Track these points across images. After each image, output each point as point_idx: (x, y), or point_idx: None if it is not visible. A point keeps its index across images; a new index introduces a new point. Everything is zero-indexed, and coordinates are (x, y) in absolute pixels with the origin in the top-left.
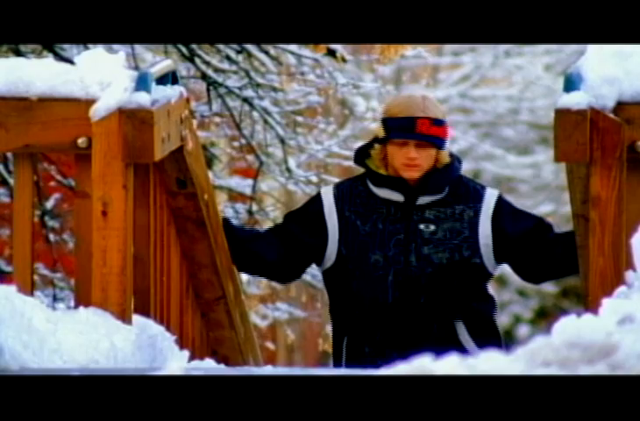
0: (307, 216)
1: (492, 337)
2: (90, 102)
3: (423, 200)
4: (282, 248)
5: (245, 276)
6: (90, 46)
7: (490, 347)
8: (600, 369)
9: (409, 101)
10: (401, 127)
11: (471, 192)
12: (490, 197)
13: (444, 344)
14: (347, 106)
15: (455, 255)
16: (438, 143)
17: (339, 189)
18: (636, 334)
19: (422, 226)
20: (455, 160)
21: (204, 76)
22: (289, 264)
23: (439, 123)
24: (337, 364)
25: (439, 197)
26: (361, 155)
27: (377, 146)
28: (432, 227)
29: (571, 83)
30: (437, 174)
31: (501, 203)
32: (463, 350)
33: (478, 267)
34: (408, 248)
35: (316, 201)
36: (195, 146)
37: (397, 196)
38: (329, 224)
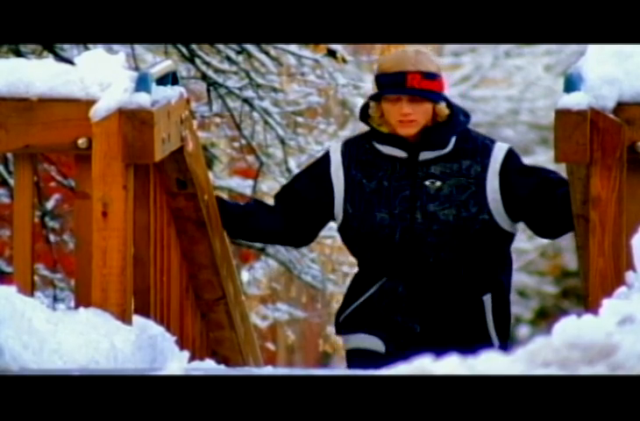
0: (314, 174)
1: (506, 317)
2: (90, 102)
3: (425, 155)
4: (286, 215)
5: (245, 277)
6: (90, 46)
7: (503, 330)
8: (600, 370)
9: (401, 56)
10: (392, 83)
11: (479, 147)
12: (499, 152)
13: (466, 320)
14: (347, 107)
15: (462, 211)
16: (432, 97)
17: (347, 147)
18: (637, 335)
19: (427, 183)
20: (459, 113)
21: (204, 77)
22: (298, 229)
23: (432, 76)
24: (348, 304)
25: (444, 152)
26: (363, 114)
27: (372, 103)
28: (438, 183)
29: (571, 84)
30: (438, 128)
31: (510, 158)
32: (484, 331)
33: (489, 225)
34: (414, 205)
35: (324, 159)
36: (195, 147)
37: (400, 153)
38: (335, 181)
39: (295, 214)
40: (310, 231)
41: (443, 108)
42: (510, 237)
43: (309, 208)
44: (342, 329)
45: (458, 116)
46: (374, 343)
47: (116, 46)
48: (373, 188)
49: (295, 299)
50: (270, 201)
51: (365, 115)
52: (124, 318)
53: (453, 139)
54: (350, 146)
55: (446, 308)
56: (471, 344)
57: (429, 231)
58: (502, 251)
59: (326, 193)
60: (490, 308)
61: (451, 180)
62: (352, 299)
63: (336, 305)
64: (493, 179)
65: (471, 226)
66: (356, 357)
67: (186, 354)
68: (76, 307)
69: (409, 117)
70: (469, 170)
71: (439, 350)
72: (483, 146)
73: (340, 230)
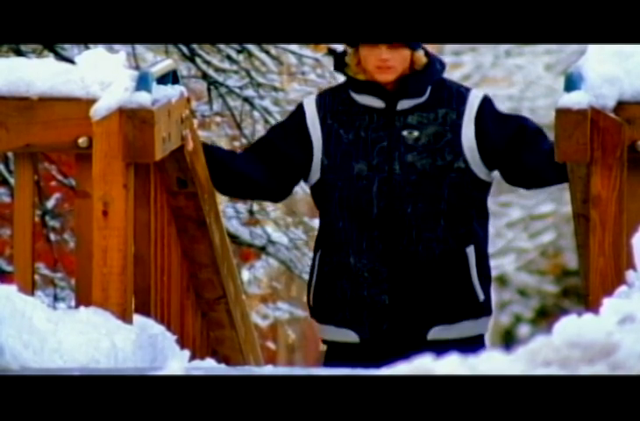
0: (290, 128)
1: (486, 275)
2: (91, 101)
3: (403, 104)
4: (267, 165)
5: (245, 276)
6: (91, 45)
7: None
8: (600, 369)
9: None
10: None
11: (454, 95)
12: (474, 99)
13: (449, 273)
14: None
15: (437, 160)
16: (411, 43)
17: (322, 98)
18: (637, 334)
19: (405, 133)
20: (436, 62)
21: (205, 76)
22: (276, 181)
23: None
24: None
25: (420, 101)
26: (339, 63)
27: (350, 50)
28: (415, 133)
29: (571, 83)
30: (416, 76)
31: (486, 106)
32: (469, 285)
33: (464, 173)
34: (392, 156)
35: (299, 112)
36: (195, 146)
37: (377, 102)
38: (312, 134)
39: (275, 168)
40: (289, 186)
41: (421, 56)
42: (487, 186)
43: (289, 162)
44: (313, 314)
45: (435, 64)
46: (347, 335)
47: (116, 46)
48: (351, 138)
49: (296, 298)
50: None
51: (341, 64)
52: (125, 317)
53: (429, 89)
54: (325, 97)
55: (427, 264)
56: (453, 302)
57: (406, 182)
58: (479, 201)
59: (304, 146)
60: (474, 260)
61: (427, 129)
62: (310, 274)
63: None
64: (468, 126)
65: (446, 174)
66: (332, 349)
67: (186, 353)
68: (77, 306)
69: (388, 63)
70: (445, 118)
71: (417, 319)
72: (458, 94)
73: (315, 187)
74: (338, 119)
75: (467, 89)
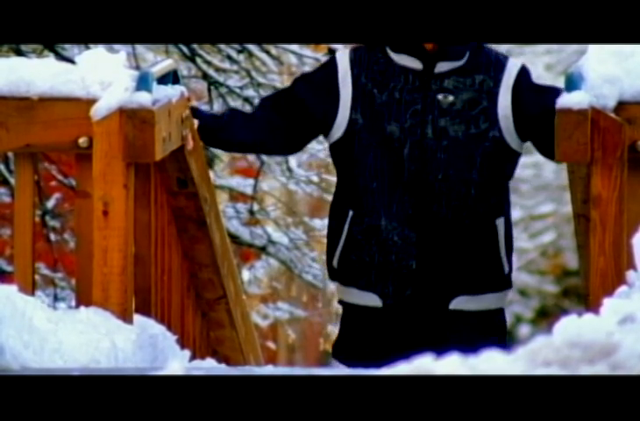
0: (319, 80)
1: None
2: (91, 101)
3: (441, 67)
4: (283, 117)
5: (246, 276)
6: (91, 45)
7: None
8: (600, 369)
9: None
10: None
11: (492, 61)
12: (512, 68)
13: (478, 243)
14: None
15: (471, 127)
16: None
17: (357, 54)
18: (637, 334)
19: (440, 97)
20: None
21: (205, 76)
22: (286, 135)
23: None
24: (333, 247)
25: (459, 65)
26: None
27: None
28: (451, 98)
29: (571, 83)
30: None
31: (524, 75)
32: (497, 257)
33: (498, 143)
34: (425, 119)
35: (331, 65)
36: (195, 146)
37: (415, 63)
38: (342, 89)
39: (288, 120)
40: (300, 139)
41: None
42: (517, 157)
43: (305, 114)
44: (335, 277)
45: None
46: (370, 298)
47: (117, 45)
48: (384, 100)
49: (296, 298)
50: (271, 200)
51: None
52: (125, 317)
53: (468, 53)
54: (360, 54)
55: (456, 233)
56: (479, 272)
57: (438, 147)
58: (510, 172)
59: (330, 100)
60: (503, 232)
61: (463, 94)
62: (336, 235)
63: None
64: (505, 95)
65: (480, 143)
66: (352, 312)
67: (187, 353)
68: (77, 306)
69: None
70: (482, 85)
71: (441, 288)
72: (497, 61)
73: (338, 144)
74: (373, 79)
75: (506, 57)
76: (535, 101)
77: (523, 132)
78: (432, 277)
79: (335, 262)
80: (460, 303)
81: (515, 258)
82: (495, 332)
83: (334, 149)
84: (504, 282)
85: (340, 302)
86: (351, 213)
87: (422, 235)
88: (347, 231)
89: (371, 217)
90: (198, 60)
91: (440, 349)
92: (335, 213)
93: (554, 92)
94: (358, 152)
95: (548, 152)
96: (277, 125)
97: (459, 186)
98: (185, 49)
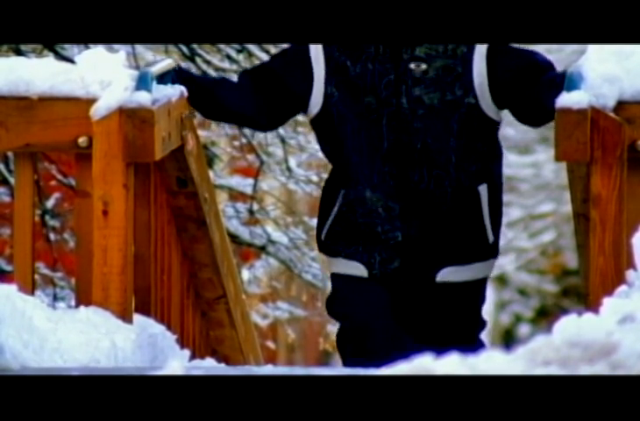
0: (292, 57)
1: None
2: (91, 101)
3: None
4: (262, 94)
5: (245, 275)
6: (91, 45)
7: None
8: (600, 368)
9: None
10: None
11: None
12: None
13: (461, 212)
14: None
15: (447, 94)
16: None
17: None
18: (637, 333)
19: (412, 65)
20: None
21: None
22: (268, 112)
23: None
24: (321, 227)
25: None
26: None
27: None
28: (423, 66)
29: (571, 82)
30: None
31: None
32: (480, 225)
33: (474, 109)
34: (399, 89)
35: None
36: (195, 146)
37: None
38: (315, 64)
39: (265, 95)
40: (281, 114)
41: None
42: (495, 125)
43: (283, 90)
44: (323, 249)
45: None
46: (356, 267)
47: (116, 45)
48: (358, 71)
49: (296, 298)
50: (271, 199)
51: None
52: (125, 317)
53: None
54: None
55: (439, 202)
56: (464, 242)
57: (414, 117)
58: (490, 139)
59: (305, 75)
60: (486, 199)
61: (436, 62)
62: (327, 212)
63: None
64: (479, 60)
65: (456, 110)
66: (340, 281)
67: (186, 353)
68: (77, 306)
69: None
70: (455, 51)
71: (427, 259)
72: None
73: (317, 119)
74: (344, 51)
75: None
76: (509, 65)
77: (499, 98)
78: (418, 248)
79: (322, 235)
80: (446, 275)
81: (514, 257)
82: (479, 300)
83: (314, 125)
84: (490, 251)
85: (330, 276)
86: (342, 192)
87: (405, 206)
88: (338, 207)
89: (356, 190)
90: (198, 59)
91: (426, 320)
92: (327, 193)
93: (528, 55)
94: (337, 125)
95: (525, 118)
96: (259, 97)
97: (438, 155)
98: (185, 49)
